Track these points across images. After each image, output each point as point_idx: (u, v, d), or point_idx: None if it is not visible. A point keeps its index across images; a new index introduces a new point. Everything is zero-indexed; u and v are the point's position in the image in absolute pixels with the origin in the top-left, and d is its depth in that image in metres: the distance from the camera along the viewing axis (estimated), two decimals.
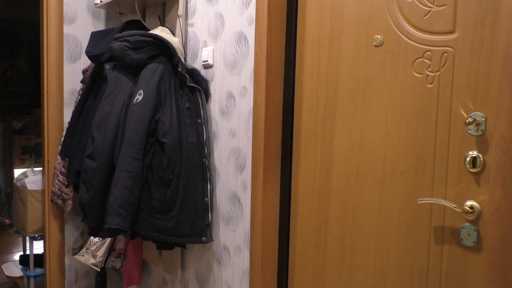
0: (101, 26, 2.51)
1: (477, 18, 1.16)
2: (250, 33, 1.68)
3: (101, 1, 2.27)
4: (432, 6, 1.25)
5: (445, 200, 1.21)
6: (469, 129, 1.17)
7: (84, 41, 2.43)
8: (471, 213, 1.17)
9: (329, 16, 1.50)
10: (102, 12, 2.53)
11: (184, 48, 2.01)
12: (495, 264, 1.08)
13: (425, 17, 1.26)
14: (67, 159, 2.20)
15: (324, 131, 1.53)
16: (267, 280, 1.67)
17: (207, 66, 1.91)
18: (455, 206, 1.18)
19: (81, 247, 2.37)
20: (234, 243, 1.79)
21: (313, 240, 1.58)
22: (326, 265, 1.54)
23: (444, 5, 1.22)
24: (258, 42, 1.61)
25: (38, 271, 2.77)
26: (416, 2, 1.28)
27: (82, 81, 2.35)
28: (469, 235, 1.18)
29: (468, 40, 1.18)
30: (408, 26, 1.30)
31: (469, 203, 1.18)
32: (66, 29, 2.39)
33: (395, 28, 1.33)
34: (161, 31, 1.92)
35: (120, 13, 2.35)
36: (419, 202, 1.24)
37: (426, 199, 1.23)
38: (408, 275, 1.31)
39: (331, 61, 1.51)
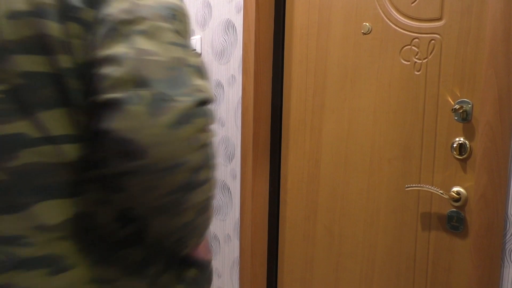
0: None
1: (464, 5, 1.17)
2: (238, 21, 1.66)
3: None
4: None
5: (432, 186, 1.22)
6: (456, 116, 1.18)
7: None
8: (457, 199, 1.18)
9: (318, 4, 1.50)
10: None
11: None
12: (481, 250, 1.10)
13: (413, 4, 1.26)
14: None
15: (313, 120, 1.54)
16: (257, 268, 1.68)
17: None
18: (442, 192, 1.19)
19: None
20: (224, 232, 1.80)
21: (302, 228, 1.59)
22: (315, 253, 1.55)
23: None
24: (246, 30, 1.60)
25: None
26: None
27: None
28: (456, 221, 1.19)
29: (455, 27, 1.18)
30: (396, 14, 1.30)
31: (455, 189, 1.19)
32: None
33: (383, 15, 1.33)
34: None
35: None
36: (406, 189, 1.25)
37: (413, 185, 1.24)
38: (395, 262, 1.33)
39: (319, 49, 1.50)
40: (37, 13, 0.58)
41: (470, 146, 1.16)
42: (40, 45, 0.58)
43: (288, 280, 1.65)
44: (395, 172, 1.31)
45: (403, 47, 1.29)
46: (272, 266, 1.71)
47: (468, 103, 1.16)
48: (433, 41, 1.23)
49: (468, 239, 1.17)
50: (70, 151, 0.59)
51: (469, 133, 1.16)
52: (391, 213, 1.33)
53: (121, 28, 0.56)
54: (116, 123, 0.51)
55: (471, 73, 1.16)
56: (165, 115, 0.52)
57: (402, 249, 1.31)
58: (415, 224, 1.28)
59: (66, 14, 0.58)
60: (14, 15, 0.57)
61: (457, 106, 1.16)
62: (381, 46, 1.33)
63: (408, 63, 1.28)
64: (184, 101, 0.53)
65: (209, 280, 0.72)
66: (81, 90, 0.59)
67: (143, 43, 0.55)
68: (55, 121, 0.58)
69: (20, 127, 0.57)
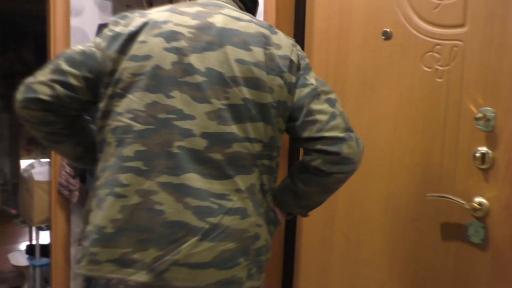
0: (108, 19, 2.51)
1: (487, 11, 1.15)
2: None
3: None
4: None
5: (453, 196, 1.19)
6: (479, 125, 1.15)
7: (91, 34, 2.43)
8: (479, 210, 1.16)
9: (338, 9, 1.49)
10: (109, 4, 2.52)
11: None
12: (503, 262, 1.08)
13: (434, 10, 1.25)
14: None
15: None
16: (273, 273, 1.67)
17: None
18: (463, 202, 1.17)
19: None
20: None
21: (319, 234, 1.58)
22: (332, 260, 1.53)
23: None
24: None
25: (44, 261, 2.79)
26: None
27: None
28: (477, 232, 1.17)
29: (479, 34, 1.16)
30: (417, 19, 1.28)
31: (477, 199, 1.17)
32: (73, 21, 2.38)
33: (404, 21, 1.31)
34: None
35: (127, 5, 2.34)
36: (427, 198, 1.23)
37: (434, 194, 1.22)
38: (413, 271, 1.31)
39: (339, 54, 1.49)
40: (256, 65, 0.96)
41: (493, 156, 1.14)
42: (255, 84, 0.95)
43: (304, 286, 1.64)
44: (415, 180, 1.30)
45: (424, 54, 1.27)
46: (288, 271, 1.70)
47: (492, 111, 1.14)
48: (455, 48, 1.21)
49: (489, 251, 1.15)
50: (257, 147, 0.97)
51: (492, 143, 1.14)
52: (410, 221, 1.31)
53: (324, 95, 0.99)
54: (344, 150, 0.95)
55: (495, 80, 1.14)
56: (361, 146, 0.99)
57: (421, 258, 1.29)
58: (434, 234, 1.26)
59: (274, 70, 0.97)
60: (242, 62, 0.95)
61: (480, 115, 1.14)
62: (402, 52, 1.32)
63: (430, 69, 1.26)
64: (360, 138, 1.00)
65: (273, 234, 1.10)
66: (275, 115, 0.97)
67: (338, 107, 0.99)
68: (254, 129, 0.96)
69: (234, 129, 0.95)
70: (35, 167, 2.73)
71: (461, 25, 1.20)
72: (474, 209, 1.16)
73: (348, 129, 0.97)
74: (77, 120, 1.10)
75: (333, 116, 0.96)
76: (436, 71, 1.25)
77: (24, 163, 4.37)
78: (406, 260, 1.32)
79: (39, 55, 5.47)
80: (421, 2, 1.27)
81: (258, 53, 0.97)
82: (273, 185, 1.07)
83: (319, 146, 0.96)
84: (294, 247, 1.68)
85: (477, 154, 1.16)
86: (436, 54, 1.25)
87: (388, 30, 1.35)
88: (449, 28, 1.22)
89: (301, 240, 1.65)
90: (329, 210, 1.54)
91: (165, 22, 0.99)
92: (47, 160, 2.69)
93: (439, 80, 1.24)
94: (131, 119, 0.96)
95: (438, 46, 1.24)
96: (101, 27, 2.17)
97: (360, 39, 1.43)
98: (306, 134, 0.97)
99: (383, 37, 1.36)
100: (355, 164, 0.98)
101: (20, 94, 1.03)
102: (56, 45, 2.33)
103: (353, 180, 1.45)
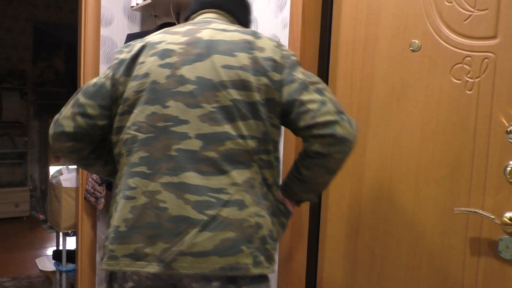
0: (136, 29, 2.56)
1: None
2: (284, 36, 1.67)
3: (137, 4, 2.31)
4: (473, 10, 1.21)
5: (483, 210, 1.17)
6: (511, 138, 1.13)
7: (120, 43, 2.49)
8: (510, 225, 1.12)
9: (365, 20, 1.48)
10: (138, 14, 2.58)
11: None
12: None
13: (465, 22, 1.23)
14: None
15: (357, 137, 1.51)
16: (296, 286, 1.66)
17: None
18: (493, 217, 1.13)
19: None
20: None
21: (343, 247, 1.56)
22: (356, 273, 1.51)
23: (486, 9, 1.18)
24: (292, 46, 1.61)
25: (70, 266, 2.84)
26: (456, 6, 1.24)
27: None
28: (508, 247, 1.13)
29: (511, 45, 1.14)
30: (447, 31, 1.27)
31: (508, 214, 1.13)
32: (103, 31, 2.44)
33: (433, 32, 1.30)
34: None
35: (155, 16, 2.38)
36: (455, 212, 1.21)
37: (463, 208, 1.19)
38: (441, 287, 1.27)
39: (365, 65, 1.48)
40: (241, 68, 1.06)
41: None
42: (243, 85, 1.05)
43: None
44: (443, 193, 1.27)
45: (454, 65, 1.25)
46: (311, 284, 1.68)
47: None
48: (486, 60, 1.18)
49: None
50: (250, 143, 1.05)
51: None
52: (438, 236, 1.28)
53: (312, 86, 1.07)
54: (338, 131, 1.02)
55: None
56: (354, 126, 1.06)
57: (448, 274, 1.26)
58: (463, 249, 1.23)
59: (259, 71, 1.06)
60: (228, 67, 1.06)
61: (511, 128, 1.11)
62: (430, 63, 1.30)
63: (459, 82, 1.24)
64: (352, 119, 1.07)
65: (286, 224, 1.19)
66: (264, 112, 1.06)
67: (326, 94, 1.07)
68: (246, 127, 1.05)
69: (226, 128, 1.04)
70: (63, 174, 2.79)
71: (492, 37, 1.18)
72: (505, 224, 1.13)
73: (339, 112, 1.04)
74: (102, 144, 1.24)
75: (323, 103, 1.03)
76: (466, 83, 1.22)
77: (52, 170, 4.47)
78: (433, 275, 1.29)
79: (70, 64, 5.62)
80: (451, 13, 1.25)
81: (242, 58, 1.07)
82: (278, 179, 1.14)
83: (314, 131, 1.04)
84: (317, 260, 1.66)
85: (509, 168, 1.13)
86: (466, 66, 1.23)
87: (416, 41, 1.34)
88: (480, 39, 1.20)
89: (324, 252, 1.63)
90: (353, 222, 1.52)
91: (159, 43, 1.13)
92: (75, 167, 2.74)
93: (469, 92, 1.22)
94: (136, 130, 1.09)
95: (468, 58, 1.22)
96: (130, 36, 2.21)
97: (387, 50, 1.42)
98: (301, 123, 1.04)
99: (411, 48, 1.35)
100: (351, 143, 1.04)
101: (51, 130, 1.19)
102: (86, 53, 2.39)
103: (377, 192, 1.43)
